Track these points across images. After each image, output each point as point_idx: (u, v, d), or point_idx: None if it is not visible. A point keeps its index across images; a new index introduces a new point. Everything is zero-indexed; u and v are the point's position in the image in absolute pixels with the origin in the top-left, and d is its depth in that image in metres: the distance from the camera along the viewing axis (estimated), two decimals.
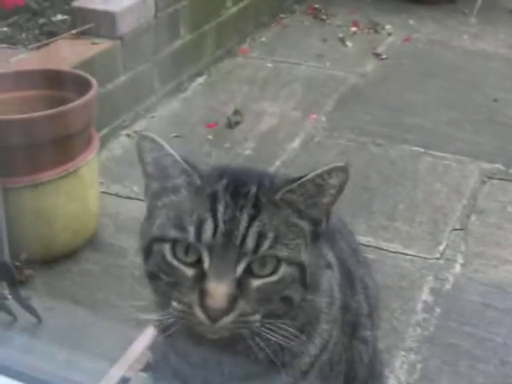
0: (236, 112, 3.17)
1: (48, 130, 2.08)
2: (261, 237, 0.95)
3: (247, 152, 2.90)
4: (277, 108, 3.29)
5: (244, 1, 3.85)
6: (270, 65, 3.72)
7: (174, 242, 0.97)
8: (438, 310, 2.19)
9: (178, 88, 3.35)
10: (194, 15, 3.37)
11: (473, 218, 2.61)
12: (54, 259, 2.26)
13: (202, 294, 0.93)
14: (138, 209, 2.42)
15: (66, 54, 2.75)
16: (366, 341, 1.28)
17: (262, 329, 0.97)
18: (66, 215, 2.22)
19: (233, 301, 0.94)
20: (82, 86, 2.22)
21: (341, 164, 1.01)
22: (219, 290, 0.93)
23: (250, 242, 0.95)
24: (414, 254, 2.42)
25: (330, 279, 1.13)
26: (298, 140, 3.02)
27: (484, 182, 2.81)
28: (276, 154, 2.87)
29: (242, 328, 0.96)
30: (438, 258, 2.40)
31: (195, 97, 3.39)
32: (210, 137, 3.00)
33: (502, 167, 2.88)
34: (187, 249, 0.96)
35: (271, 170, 2.50)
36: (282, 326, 0.99)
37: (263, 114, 3.23)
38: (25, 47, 2.80)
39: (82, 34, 2.86)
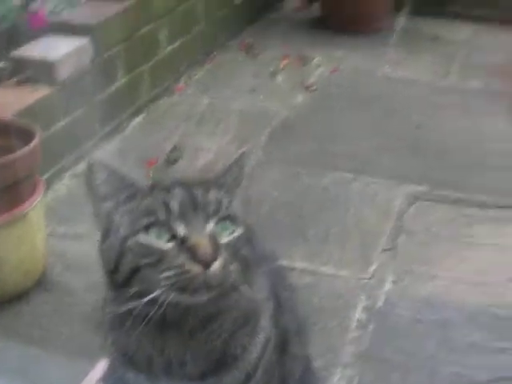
0: (174, 149, 3.29)
1: None
2: (218, 201, 1.15)
3: None
4: (214, 143, 3.41)
5: (178, 40, 3.98)
6: (205, 101, 3.85)
7: (146, 229, 1.12)
8: (371, 326, 2.34)
9: (117, 128, 3.47)
10: (130, 57, 3.50)
11: (401, 238, 2.78)
12: (6, 301, 2.34)
13: (190, 250, 1.09)
14: (84, 247, 2.55)
15: (8, 101, 2.85)
16: (296, 357, 1.43)
17: (238, 281, 1.14)
18: (17, 258, 2.32)
19: (216, 248, 1.10)
20: (25, 134, 2.33)
21: (244, 149, 1.28)
22: (203, 240, 1.10)
23: (212, 205, 1.14)
24: (347, 275, 2.57)
25: (264, 280, 1.29)
26: None
27: (410, 204, 2.97)
28: None
29: (227, 277, 1.11)
30: (369, 278, 2.55)
31: (134, 136, 3.50)
32: (151, 174, 3.11)
33: (426, 189, 3.05)
34: (158, 232, 1.11)
35: None
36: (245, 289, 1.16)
37: (201, 150, 3.35)
38: None
39: (23, 82, 2.96)
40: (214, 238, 1.11)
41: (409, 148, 3.40)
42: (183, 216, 1.12)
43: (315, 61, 4.37)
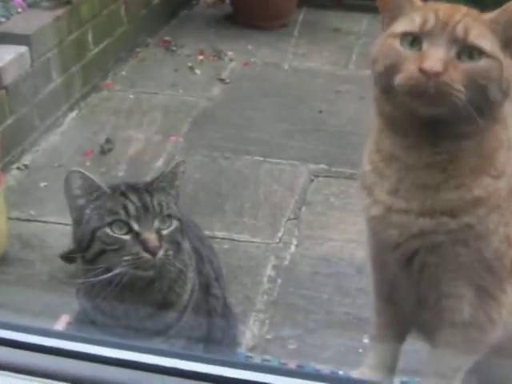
0: (107, 140, 3.63)
1: None
2: (161, 204, 1.61)
3: (121, 174, 3.40)
4: (141, 134, 3.78)
5: (104, 41, 4.36)
6: (131, 96, 4.19)
7: (110, 224, 1.58)
8: (279, 280, 2.82)
9: (55, 123, 3.82)
10: (63, 60, 3.88)
11: (303, 209, 3.26)
12: None
13: (143, 243, 1.56)
14: (36, 228, 3.02)
15: None
16: (217, 296, 1.93)
17: (173, 261, 1.61)
18: None
19: (160, 241, 1.57)
20: None
21: (182, 159, 1.67)
22: (152, 236, 1.57)
23: (157, 208, 1.60)
24: (259, 241, 3.03)
25: (187, 245, 1.77)
26: (162, 159, 3.54)
27: (312, 180, 3.44)
28: (145, 173, 3.36)
29: (167, 259, 1.59)
30: (277, 242, 3.03)
31: (70, 130, 3.83)
32: (88, 163, 3.45)
33: (325, 167, 3.51)
34: (119, 227, 1.58)
35: None
36: (178, 264, 1.64)
37: (131, 140, 3.71)
38: None
39: None
40: (158, 232, 1.59)
41: (312, 132, 3.83)
42: (137, 216, 1.59)
43: (228, 55, 4.73)
